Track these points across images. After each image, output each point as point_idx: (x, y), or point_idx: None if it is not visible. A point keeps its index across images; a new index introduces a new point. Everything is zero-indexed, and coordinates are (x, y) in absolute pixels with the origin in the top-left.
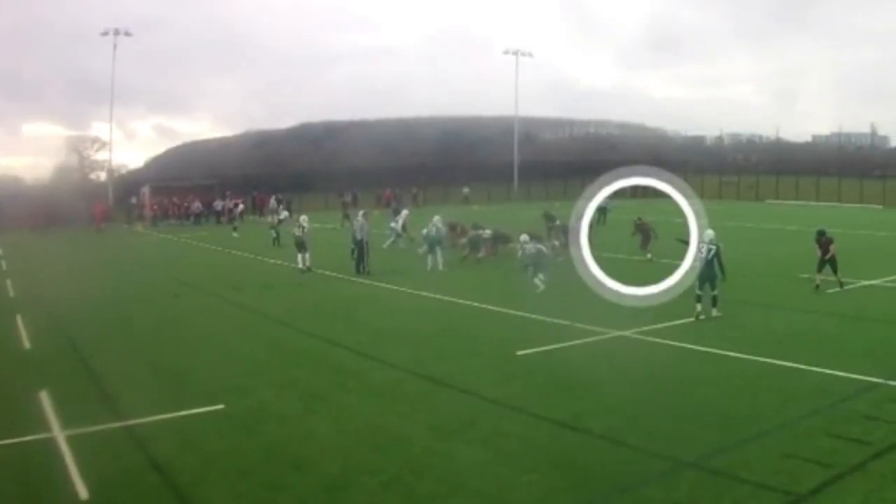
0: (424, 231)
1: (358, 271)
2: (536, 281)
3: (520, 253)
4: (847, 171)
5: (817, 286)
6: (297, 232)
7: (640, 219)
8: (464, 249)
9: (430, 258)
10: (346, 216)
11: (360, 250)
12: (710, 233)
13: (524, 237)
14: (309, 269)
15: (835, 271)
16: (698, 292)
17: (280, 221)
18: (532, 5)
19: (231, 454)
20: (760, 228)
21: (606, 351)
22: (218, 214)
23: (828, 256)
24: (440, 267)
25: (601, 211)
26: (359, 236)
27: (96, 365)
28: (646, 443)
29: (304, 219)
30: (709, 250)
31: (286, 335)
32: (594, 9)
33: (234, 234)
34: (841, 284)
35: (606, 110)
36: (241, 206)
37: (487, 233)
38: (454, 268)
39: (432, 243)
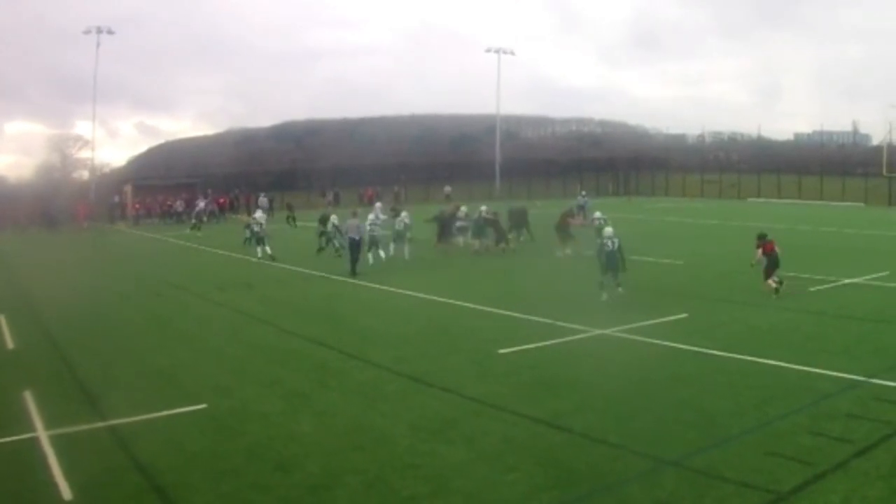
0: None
1: (353, 273)
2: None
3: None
4: (829, 170)
5: (777, 290)
6: (256, 228)
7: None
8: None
9: (371, 254)
10: (293, 217)
11: (354, 251)
12: (609, 230)
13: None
14: (272, 257)
15: (768, 275)
16: (601, 280)
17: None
18: (514, 3)
19: (214, 454)
20: (742, 227)
21: (588, 349)
22: (199, 213)
23: (773, 258)
24: (381, 262)
25: (581, 208)
26: (356, 236)
27: (80, 365)
28: (628, 441)
29: (259, 215)
30: (612, 243)
31: (269, 334)
32: (576, 7)
33: (196, 233)
34: (776, 289)
35: (588, 108)
36: (200, 205)
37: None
38: (435, 265)
39: (374, 240)
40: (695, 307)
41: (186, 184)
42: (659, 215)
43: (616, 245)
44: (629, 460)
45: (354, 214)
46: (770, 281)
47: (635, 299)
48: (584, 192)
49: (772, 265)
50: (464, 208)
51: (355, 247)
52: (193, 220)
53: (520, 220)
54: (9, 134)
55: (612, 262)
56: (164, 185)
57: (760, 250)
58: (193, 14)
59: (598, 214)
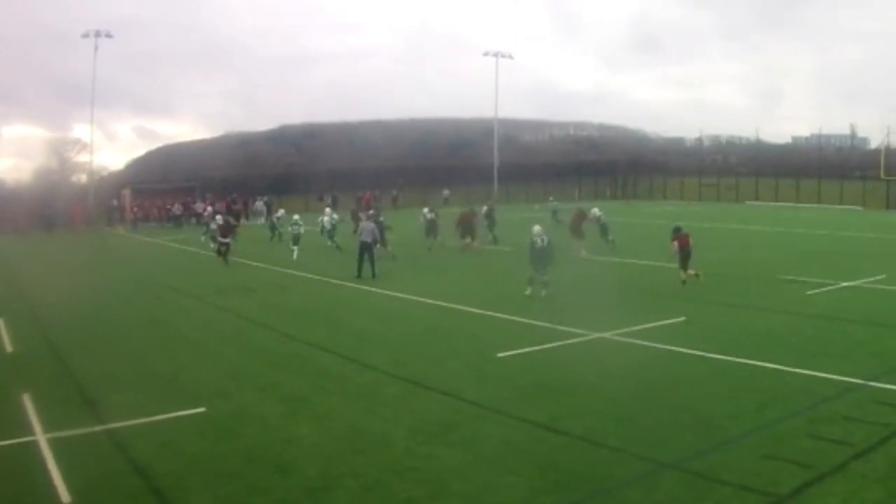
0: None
1: (359, 276)
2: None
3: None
4: (827, 173)
5: (684, 282)
6: (213, 226)
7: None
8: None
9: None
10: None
11: (363, 254)
12: (537, 228)
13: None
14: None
15: (683, 266)
16: (531, 276)
17: (278, 219)
18: (513, 7)
19: (213, 457)
20: (740, 230)
21: (587, 353)
22: (198, 217)
23: (686, 251)
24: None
25: (554, 212)
26: (367, 239)
27: (79, 368)
28: (626, 444)
29: (219, 217)
30: (542, 240)
31: (268, 338)
32: (574, 11)
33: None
34: (697, 276)
35: (586, 112)
36: (208, 209)
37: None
38: (434, 269)
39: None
40: (693, 310)
41: (185, 187)
42: (656, 218)
43: (545, 242)
44: (628, 463)
45: (370, 216)
46: (691, 271)
47: (634, 303)
48: (552, 198)
49: (684, 257)
50: (553, 203)
51: (363, 250)
52: (205, 232)
53: (467, 224)
54: (7, 137)
55: (541, 259)
56: (163, 188)
57: (676, 243)
58: (192, 18)
59: (595, 211)
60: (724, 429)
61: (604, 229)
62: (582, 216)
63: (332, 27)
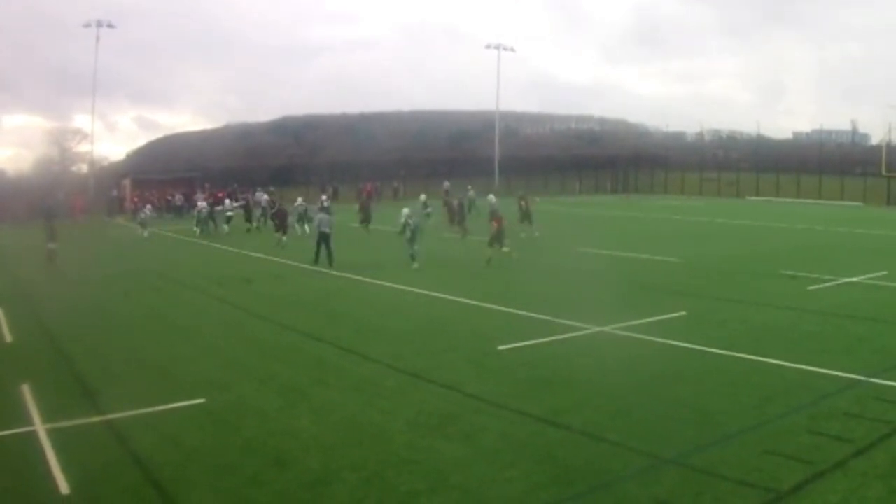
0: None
1: (316, 262)
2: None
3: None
4: (828, 169)
5: (489, 259)
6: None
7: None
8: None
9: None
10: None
11: (320, 243)
12: (406, 210)
13: (406, 210)
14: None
15: (500, 243)
16: (410, 252)
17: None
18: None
19: (211, 449)
20: (742, 225)
21: (587, 347)
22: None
23: (501, 231)
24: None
25: (471, 202)
26: (325, 229)
27: (78, 358)
28: (626, 439)
29: (202, 204)
30: (412, 222)
31: (267, 329)
32: (576, 4)
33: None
34: (510, 253)
35: (588, 106)
36: (226, 202)
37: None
38: (434, 261)
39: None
40: (694, 305)
41: (185, 178)
42: (657, 213)
43: (414, 225)
44: (628, 458)
45: (322, 209)
46: (505, 249)
47: (634, 297)
48: (469, 187)
49: (498, 237)
50: (423, 196)
51: (321, 239)
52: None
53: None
54: (8, 127)
55: (413, 237)
56: (163, 179)
57: (495, 224)
58: (193, 8)
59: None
60: (724, 424)
61: (468, 210)
62: (525, 202)
63: (334, 18)
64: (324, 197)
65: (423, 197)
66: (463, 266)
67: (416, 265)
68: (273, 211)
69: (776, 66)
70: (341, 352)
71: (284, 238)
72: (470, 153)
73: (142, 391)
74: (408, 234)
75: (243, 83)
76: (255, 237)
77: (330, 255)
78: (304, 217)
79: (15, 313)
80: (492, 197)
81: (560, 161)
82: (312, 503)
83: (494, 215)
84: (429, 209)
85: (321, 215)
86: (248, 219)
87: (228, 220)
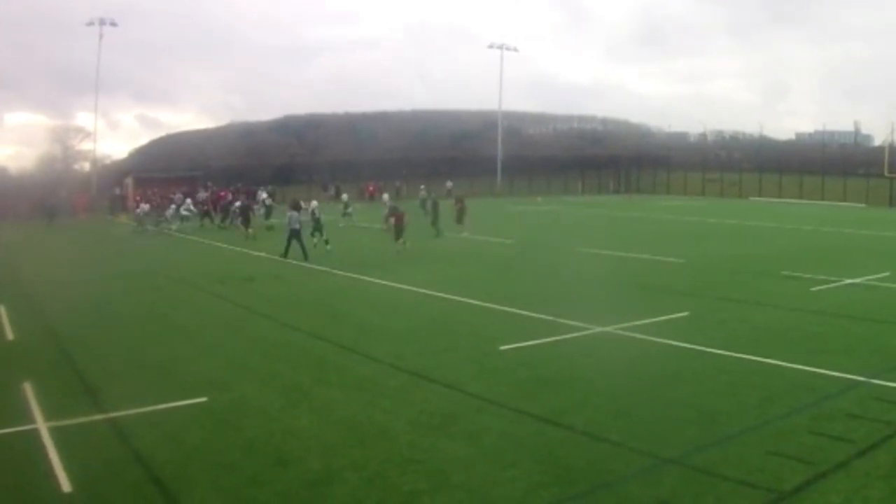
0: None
1: (285, 256)
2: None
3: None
4: (830, 170)
5: (398, 252)
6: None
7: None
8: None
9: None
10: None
11: (290, 239)
12: (314, 203)
13: (314, 202)
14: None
15: (396, 238)
16: (315, 242)
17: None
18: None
19: (213, 448)
20: (743, 226)
21: (589, 347)
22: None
23: (400, 226)
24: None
25: (422, 201)
26: (296, 227)
27: (79, 357)
28: (628, 439)
29: (188, 201)
30: (317, 212)
31: (269, 328)
32: (579, 4)
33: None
34: (404, 244)
35: (590, 105)
36: (237, 204)
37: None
38: (435, 260)
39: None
40: (696, 305)
41: (187, 177)
42: (659, 213)
43: (319, 213)
44: (629, 458)
45: (295, 207)
46: (404, 242)
47: (636, 297)
48: (422, 187)
49: (398, 232)
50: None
51: (291, 235)
52: (230, 220)
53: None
54: (10, 125)
55: (317, 226)
56: (166, 177)
57: (393, 219)
58: (196, 7)
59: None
60: (726, 424)
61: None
62: (461, 202)
63: (337, 18)
64: (314, 203)
65: (345, 196)
66: (463, 265)
67: (329, 247)
68: (234, 208)
69: (779, 66)
70: (343, 351)
71: (250, 230)
72: (471, 153)
73: (143, 389)
74: (314, 224)
75: (246, 82)
76: (265, 237)
77: (303, 249)
78: (319, 225)
79: (17, 311)
80: (386, 196)
81: (562, 161)
82: (314, 503)
83: (393, 212)
84: (349, 210)
85: (292, 213)
86: (223, 219)
87: (183, 219)
